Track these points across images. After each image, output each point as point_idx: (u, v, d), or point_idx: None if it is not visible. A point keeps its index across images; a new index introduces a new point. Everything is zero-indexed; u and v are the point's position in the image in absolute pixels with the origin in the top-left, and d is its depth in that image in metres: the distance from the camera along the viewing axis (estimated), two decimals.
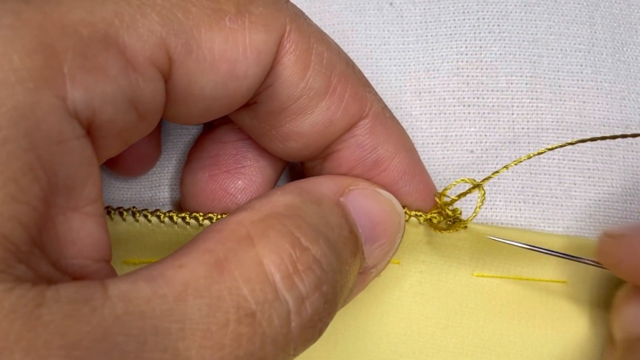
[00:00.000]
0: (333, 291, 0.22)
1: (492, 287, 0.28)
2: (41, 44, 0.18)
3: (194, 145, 0.29)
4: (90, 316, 0.17)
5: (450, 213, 0.27)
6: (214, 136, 0.28)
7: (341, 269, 0.22)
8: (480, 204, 0.27)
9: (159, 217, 0.28)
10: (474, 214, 0.27)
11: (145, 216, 0.28)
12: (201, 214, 0.27)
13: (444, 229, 0.28)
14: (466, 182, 0.27)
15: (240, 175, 0.28)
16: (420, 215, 0.27)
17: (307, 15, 0.25)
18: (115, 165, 0.30)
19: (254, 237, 0.20)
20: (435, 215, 0.27)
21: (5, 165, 0.17)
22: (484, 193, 0.27)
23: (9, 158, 0.17)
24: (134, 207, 0.29)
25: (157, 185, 0.31)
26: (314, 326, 0.21)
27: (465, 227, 0.28)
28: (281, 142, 0.26)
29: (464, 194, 0.27)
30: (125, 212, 0.28)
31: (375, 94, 0.26)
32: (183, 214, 0.28)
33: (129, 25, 0.20)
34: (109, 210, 0.28)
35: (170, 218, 0.27)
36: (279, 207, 0.22)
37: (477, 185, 0.26)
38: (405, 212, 0.27)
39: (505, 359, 0.28)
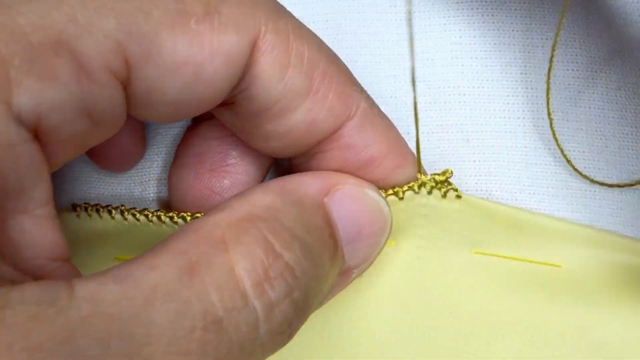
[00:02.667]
0: (305, 297, 0.21)
1: (491, 266, 0.28)
2: None
3: (181, 141, 0.29)
4: (55, 318, 0.17)
5: (439, 176, 0.27)
6: (199, 132, 0.28)
7: (316, 274, 0.22)
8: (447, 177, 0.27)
9: (146, 216, 0.28)
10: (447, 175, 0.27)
11: (134, 215, 0.28)
12: (189, 214, 0.27)
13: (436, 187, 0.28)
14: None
15: (225, 173, 0.28)
16: (411, 186, 0.27)
17: (287, 10, 0.24)
18: (101, 161, 0.30)
19: (228, 241, 0.20)
20: (424, 180, 0.27)
21: None
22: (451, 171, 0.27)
23: None
24: (122, 205, 0.29)
25: (146, 180, 0.31)
26: (283, 332, 0.21)
27: (460, 197, 0.27)
28: (263, 141, 0.25)
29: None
30: (113, 211, 0.28)
31: (362, 90, 0.26)
32: (170, 214, 0.27)
33: (83, 30, 0.19)
34: (97, 208, 0.28)
35: (158, 217, 0.27)
36: (258, 208, 0.22)
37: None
38: (393, 191, 0.27)
39: (502, 339, 0.28)
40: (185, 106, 0.23)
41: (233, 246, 0.20)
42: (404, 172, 0.27)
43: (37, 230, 0.20)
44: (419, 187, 0.27)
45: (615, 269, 0.28)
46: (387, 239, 0.26)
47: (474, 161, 0.29)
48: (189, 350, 0.18)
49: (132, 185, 0.30)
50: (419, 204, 0.28)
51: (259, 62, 0.23)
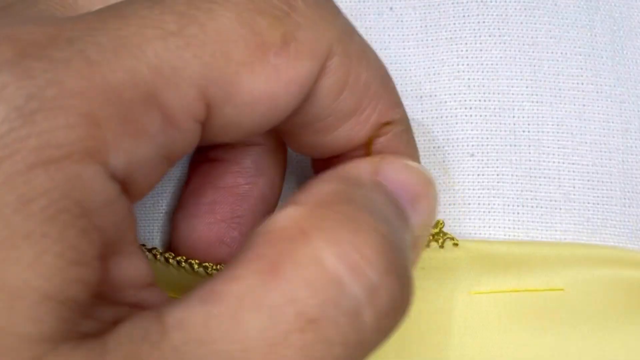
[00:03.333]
0: (406, 270, 0.20)
1: (490, 303, 0.28)
2: (83, 115, 0.18)
3: (188, 187, 0.29)
4: (150, 354, 0.17)
5: (433, 228, 0.28)
6: (210, 180, 0.28)
7: (404, 246, 0.21)
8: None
9: (155, 255, 0.28)
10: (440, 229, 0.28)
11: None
12: (197, 261, 0.27)
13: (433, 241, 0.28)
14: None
15: (236, 225, 0.28)
16: None
17: (353, 26, 0.24)
18: None
19: (309, 231, 0.19)
20: None
21: (63, 233, 0.18)
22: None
23: (66, 227, 0.18)
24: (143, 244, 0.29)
25: (151, 217, 0.31)
26: (393, 314, 0.19)
27: (457, 244, 0.28)
28: (296, 147, 0.26)
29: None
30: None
31: (404, 113, 0.26)
32: (179, 258, 0.28)
33: (169, 81, 0.19)
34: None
35: (166, 260, 0.28)
36: (327, 195, 0.20)
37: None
38: None
39: None
40: (253, 132, 0.22)
41: (315, 234, 0.19)
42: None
43: (130, 266, 0.21)
44: None
45: (619, 285, 0.28)
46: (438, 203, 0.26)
47: (478, 175, 0.30)
48: (286, 356, 0.17)
49: (145, 203, 0.31)
50: None
51: (321, 83, 0.22)
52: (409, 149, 0.26)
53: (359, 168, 0.23)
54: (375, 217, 0.20)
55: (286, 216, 0.20)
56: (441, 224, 0.28)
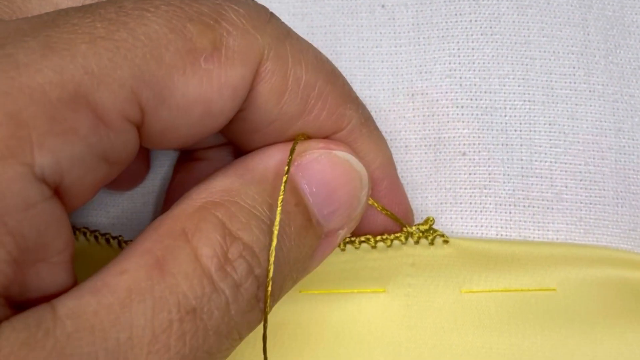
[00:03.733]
0: (267, 275, 0.22)
1: (481, 302, 0.28)
2: (7, 114, 0.18)
3: (171, 185, 0.30)
4: (45, 340, 0.18)
5: (423, 225, 0.28)
6: (194, 178, 0.28)
7: (282, 246, 0.23)
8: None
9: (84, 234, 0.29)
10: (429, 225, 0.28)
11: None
12: (122, 237, 0.29)
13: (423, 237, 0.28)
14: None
15: None
16: (398, 236, 0.28)
17: (288, 28, 0.24)
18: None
19: (188, 232, 0.21)
20: (407, 230, 0.28)
21: None
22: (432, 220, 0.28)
23: None
24: (120, 236, 0.29)
25: (148, 199, 0.32)
26: (253, 308, 0.22)
27: (447, 241, 0.28)
28: (250, 145, 0.26)
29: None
30: (112, 240, 0.29)
31: (358, 106, 0.26)
32: (107, 235, 0.29)
33: (99, 82, 0.19)
34: (96, 235, 0.29)
35: (96, 238, 0.29)
36: (216, 194, 0.22)
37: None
38: (372, 238, 0.28)
39: None
40: (193, 137, 0.23)
41: (193, 235, 0.21)
42: (389, 192, 0.27)
43: (50, 275, 0.21)
44: (406, 238, 0.28)
45: (611, 285, 0.28)
46: (369, 194, 0.26)
47: (470, 174, 0.30)
48: (169, 345, 0.20)
49: (135, 202, 0.31)
50: (406, 253, 0.28)
51: (257, 89, 0.23)
52: (370, 142, 0.26)
53: (271, 159, 0.24)
54: (247, 221, 0.22)
55: (174, 214, 0.22)
56: (431, 220, 0.28)
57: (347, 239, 0.28)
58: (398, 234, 0.28)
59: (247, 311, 0.22)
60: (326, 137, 0.26)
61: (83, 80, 0.19)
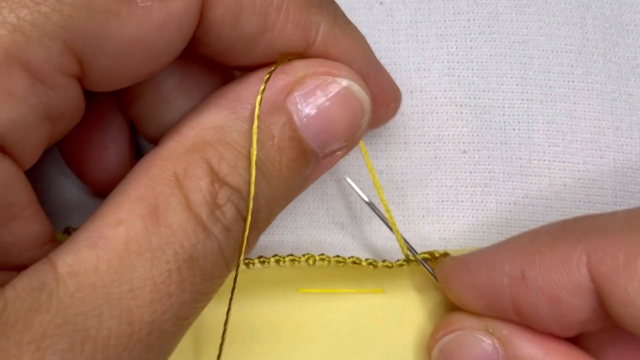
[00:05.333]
0: (256, 213, 0.23)
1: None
2: None
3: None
4: (49, 303, 0.19)
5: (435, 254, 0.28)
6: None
7: (272, 183, 0.23)
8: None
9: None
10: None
11: None
12: None
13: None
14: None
15: None
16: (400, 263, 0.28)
17: None
18: (92, 182, 0.30)
19: (179, 177, 0.21)
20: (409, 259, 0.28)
21: None
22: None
23: None
24: None
25: None
26: (243, 245, 0.22)
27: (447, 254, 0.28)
28: (229, 65, 0.25)
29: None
30: None
31: (322, 7, 0.24)
32: None
33: (29, 37, 0.19)
34: None
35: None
36: (207, 131, 0.22)
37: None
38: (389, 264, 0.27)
39: None
40: (142, 76, 0.22)
41: (184, 181, 0.21)
42: (376, 79, 0.26)
43: (26, 229, 0.21)
44: (409, 264, 0.28)
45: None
46: (370, 119, 0.25)
47: (470, 172, 0.29)
48: (169, 293, 0.20)
49: None
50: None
51: (209, 17, 0.22)
52: (346, 41, 0.25)
53: (270, 88, 0.23)
54: (235, 163, 0.22)
55: (164, 155, 0.22)
56: (442, 254, 0.27)
57: (353, 259, 0.27)
58: (400, 262, 0.28)
59: (237, 248, 0.22)
60: (302, 50, 0.24)
61: (13, 38, 0.18)
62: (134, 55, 0.21)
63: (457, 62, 0.30)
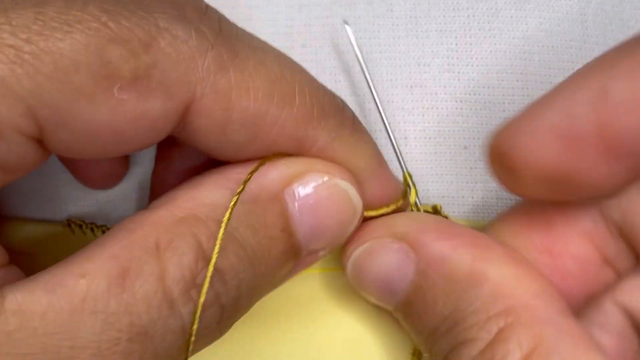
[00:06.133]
0: (237, 298, 0.22)
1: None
2: None
3: (154, 174, 0.28)
4: None
5: (430, 210, 0.27)
6: (174, 168, 0.27)
7: (257, 272, 0.22)
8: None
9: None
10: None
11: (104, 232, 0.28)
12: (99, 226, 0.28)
13: None
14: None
15: None
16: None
17: (242, 44, 0.22)
18: (88, 181, 0.29)
19: (161, 246, 0.20)
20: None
21: None
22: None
23: None
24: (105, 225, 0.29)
25: (129, 197, 0.31)
26: (212, 332, 0.21)
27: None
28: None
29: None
30: (95, 228, 0.29)
31: (326, 121, 0.23)
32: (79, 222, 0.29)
33: None
34: (92, 227, 0.28)
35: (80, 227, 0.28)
36: (202, 207, 0.21)
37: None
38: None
39: None
40: (110, 154, 0.22)
41: (164, 253, 0.20)
42: (376, 183, 0.26)
43: None
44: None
45: None
46: (359, 222, 0.25)
47: (471, 168, 0.29)
48: None
49: (116, 201, 0.30)
50: None
51: (192, 123, 0.21)
52: (346, 152, 0.24)
53: (267, 177, 0.23)
54: (224, 245, 0.21)
55: (153, 220, 0.21)
56: (440, 207, 0.27)
57: None
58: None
59: (204, 335, 0.21)
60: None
61: None
62: (99, 138, 0.20)
63: (457, 57, 0.30)
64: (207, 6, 0.22)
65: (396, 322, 0.25)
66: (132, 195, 0.30)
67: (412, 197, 0.26)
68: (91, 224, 0.29)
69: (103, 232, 0.28)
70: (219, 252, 0.21)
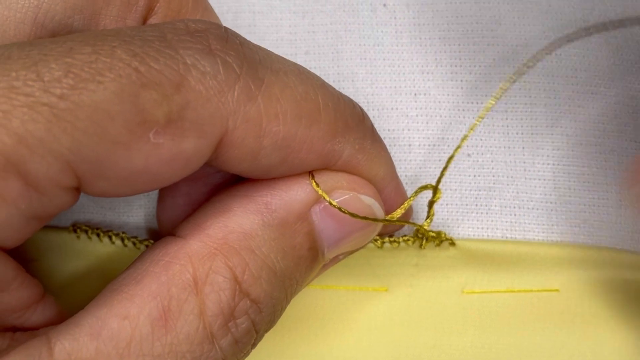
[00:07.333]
0: (269, 320, 0.23)
1: (483, 303, 0.28)
2: None
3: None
4: None
5: (434, 235, 0.28)
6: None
7: (288, 291, 0.23)
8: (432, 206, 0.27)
9: (147, 247, 0.28)
10: (429, 219, 0.27)
11: (134, 243, 0.29)
12: (138, 238, 0.29)
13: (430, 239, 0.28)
14: (427, 188, 0.27)
15: None
16: (405, 239, 0.28)
17: (261, 84, 0.22)
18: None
19: (199, 282, 0.21)
20: (416, 235, 0.28)
21: None
22: (439, 194, 0.27)
23: None
24: (123, 232, 0.29)
25: (135, 206, 0.31)
26: (245, 355, 0.23)
27: (453, 244, 0.28)
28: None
29: (430, 206, 0.27)
30: (114, 237, 0.29)
31: (350, 133, 0.24)
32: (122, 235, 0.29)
33: (33, 152, 0.18)
34: (98, 233, 0.29)
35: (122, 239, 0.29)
36: (233, 235, 0.22)
37: (434, 188, 0.27)
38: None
39: None
40: (145, 190, 0.22)
41: (202, 288, 0.21)
42: (390, 194, 0.26)
43: (14, 297, 0.21)
44: (414, 242, 0.28)
45: (615, 287, 0.28)
46: (378, 230, 0.26)
47: (474, 176, 0.29)
48: None
49: (120, 207, 0.30)
50: (410, 254, 0.28)
51: (227, 153, 0.22)
52: (369, 163, 0.25)
53: (294, 199, 0.23)
54: (258, 274, 0.22)
55: (187, 252, 0.22)
56: (443, 236, 0.28)
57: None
58: (406, 237, 0.28)
59: (240, 358, 0.23)
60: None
61: (15, 149, 0.18)
62: (135, 181, 0.21)
63: (461, 66, 0.30)
64: (226, 30, 0.22)
65: None
66: (137, 201, 0.30)
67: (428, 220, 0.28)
68: (97, 229, 0.29)
69: (109, 237, 0.29)
70: (254, 283, 0.22)
